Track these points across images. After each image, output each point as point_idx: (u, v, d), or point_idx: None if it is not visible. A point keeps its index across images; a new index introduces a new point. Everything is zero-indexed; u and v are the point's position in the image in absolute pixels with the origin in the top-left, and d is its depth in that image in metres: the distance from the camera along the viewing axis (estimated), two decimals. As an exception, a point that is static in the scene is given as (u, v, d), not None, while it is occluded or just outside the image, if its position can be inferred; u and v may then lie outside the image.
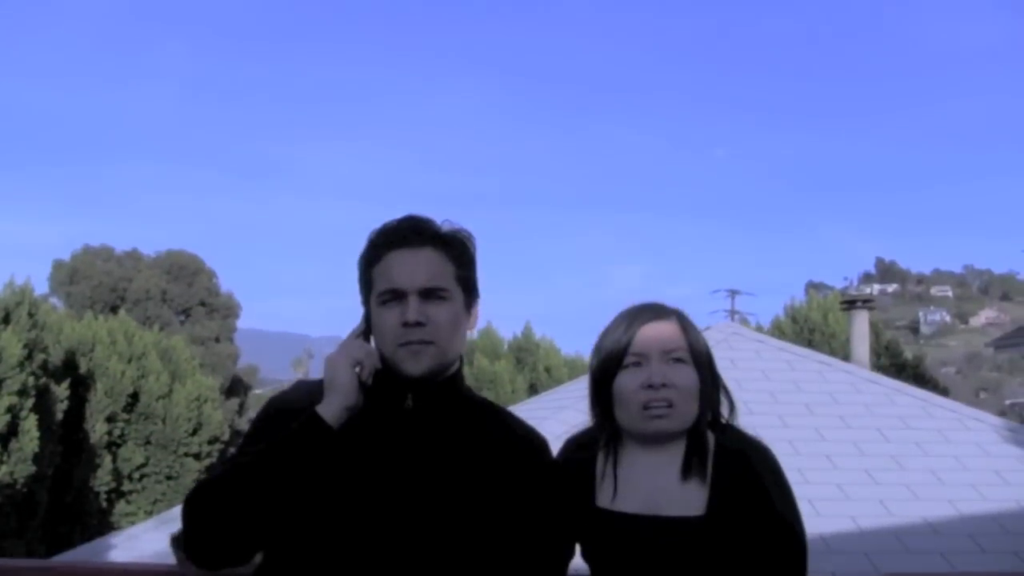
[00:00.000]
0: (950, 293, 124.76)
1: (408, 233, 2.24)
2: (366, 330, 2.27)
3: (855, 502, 8.07)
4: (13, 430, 21.09)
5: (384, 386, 2.21)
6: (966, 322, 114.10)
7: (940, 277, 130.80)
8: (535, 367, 29.55)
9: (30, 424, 21.34)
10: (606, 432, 2.39)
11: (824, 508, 7.51)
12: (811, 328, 27.35)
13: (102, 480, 24.70)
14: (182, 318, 45.80)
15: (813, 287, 32.81)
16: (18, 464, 20.98)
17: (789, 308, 29.27)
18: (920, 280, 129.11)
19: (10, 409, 20.99)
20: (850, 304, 18.69)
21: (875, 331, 23.75)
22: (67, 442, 23.66)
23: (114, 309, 36.51)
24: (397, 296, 2.19)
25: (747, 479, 2.27)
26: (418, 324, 2.16)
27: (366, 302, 2.28)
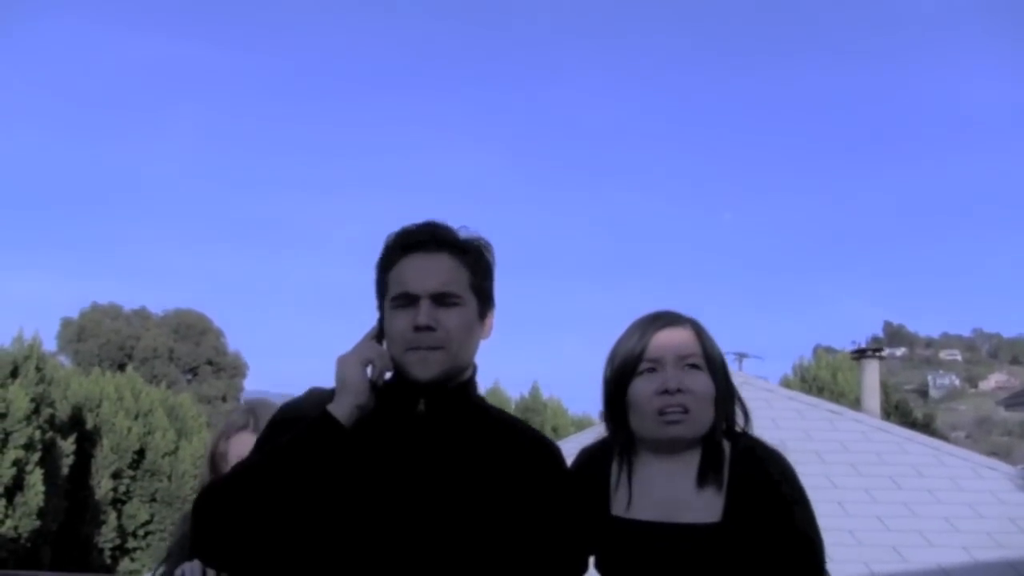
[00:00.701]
0: (959, 357, 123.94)
1: (424, 238, 2.23)
2: (379, 333, 2.26)
3: (868, 548, 7.99)
4: (19, 484, 21.04)
5: (396, 390, 2.20)
6: (976, 386, 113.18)
7: (949, 341, 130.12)
8: (542, 426, 29.42)
9: (36, 478, 21.29)
10: (620, 441, 2.35)
11: (837, 553, 7.42)
12: (820, 387, 27.23)
13: (107, 537, 24.58)
14: (189, 377, 45.88)
15: (822, 351, 32.81)
16: (23, 519, 20.89)
17: (797, 367, 29.20)
18: (928, 344, 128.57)
19: (16, 463, 20.96)
20: (860, 354, 18.71)
21: (885, 391, 23.63)
22: (72, 497, 23.57)
23: (121, 367, 36.58)
24: (409, 300, 2.17)
25: (763, 486, 2.23)
26: (428, 329, 2.15)
27: (380, 306, 2.27)
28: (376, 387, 2.15)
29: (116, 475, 25.25)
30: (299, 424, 2.12)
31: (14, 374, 22.34)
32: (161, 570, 2.92)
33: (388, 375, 2.21)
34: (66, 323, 44.32)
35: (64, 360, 37.89)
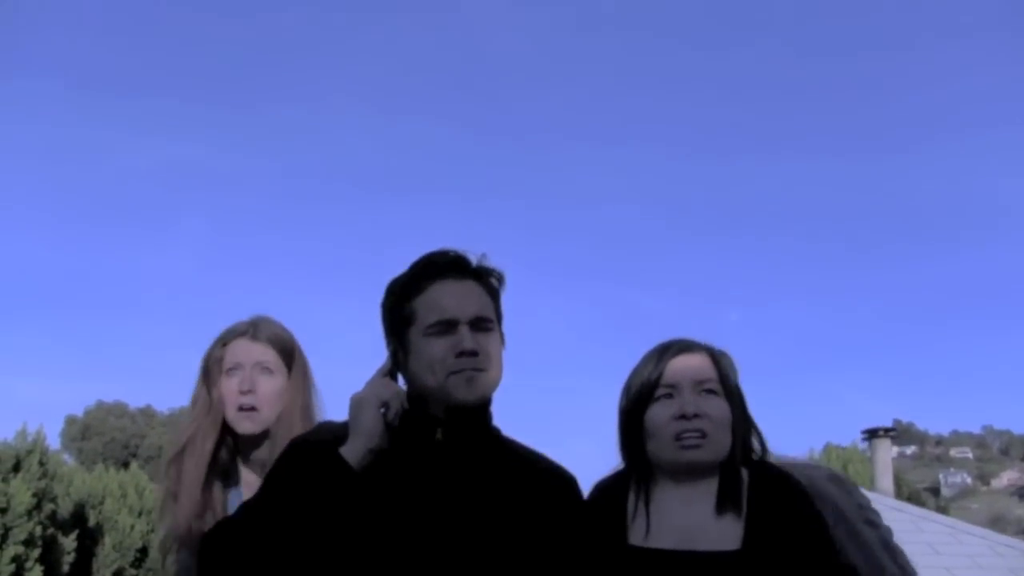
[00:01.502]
0: (970, 455, 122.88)
1: (453, 264, 2.24)
2: (392, 368, 2.25)
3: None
4: (18, 581, 20.78)
5: (413, 421, 2.19)
6: (988, 484, 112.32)
7: (959, 438, 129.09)
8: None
9: (36, 575, 21.04)
10: (637, 470, 2.33)
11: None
12: (831, 479, 27.03)
13: (106, 637, 24.18)
14: (194, 476, 45.56)
15: (832, 446, 32.80)
16: (21, 617, 20.61)
17: (808, 458, 28.97)
18: (939, 442, 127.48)
19: (15, 559, 20.74)
20: (871, 434, 18.63)
21: (897, 484, 23.46)
22: (72, 596, 23.25)
23: (126, 465, 36.39)
24: (448, 326, 2.17)
25: (782, 512, 2.20)
26: (473, 354, 2.15)
27: (398, 336, 2.24)
28: (391, 428, 2.14)
29: (118, 574, 24.95)
30: (310, 462, 2.10)
31: (16, 468, 22.24)
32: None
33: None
34: (71, 421, 44.21)
35: (68, 459, 37.75)
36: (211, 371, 2.88)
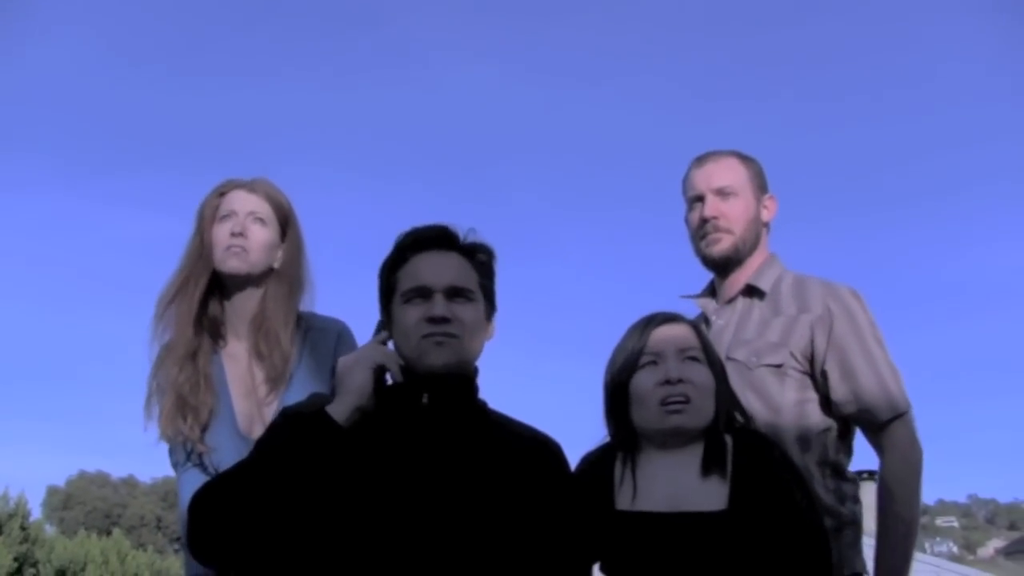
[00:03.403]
0: (956, 523, 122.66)
1: (436, 237, 2.30)
2: (384, 337, 2.30)
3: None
4: (-2, 648, 20.41)
5: (400, 386, 2.23)
6: (974, 553, 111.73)
7: (945, 508, 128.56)
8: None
9: (16, 641, 20.69)
10: (622, 438, 2.40)
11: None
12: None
13: None
14: (176, 546, 45.02)
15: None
16: None
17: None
18: (925, 511, 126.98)
19: (-4, 623, 20.38)
20: (857, 476, 18.54)
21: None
22: (53, 664, 22.87)
23: (108, 533, 35.95)
24: (423, 294, 2.22)
25: (767, 474, 2.28)
26: (444, 320, 2.19)
27: (386, 306, 2.32)
28: (383, 388, 2.20)
29: (99, 641, 24.58)
30: (299, 423, 2.14)
31: (-2, 532, 21.99)
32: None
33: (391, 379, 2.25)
34: (52, 491, 43.63)
35: (49, 529, 37.23)
36: (205, 219, 2.92)
